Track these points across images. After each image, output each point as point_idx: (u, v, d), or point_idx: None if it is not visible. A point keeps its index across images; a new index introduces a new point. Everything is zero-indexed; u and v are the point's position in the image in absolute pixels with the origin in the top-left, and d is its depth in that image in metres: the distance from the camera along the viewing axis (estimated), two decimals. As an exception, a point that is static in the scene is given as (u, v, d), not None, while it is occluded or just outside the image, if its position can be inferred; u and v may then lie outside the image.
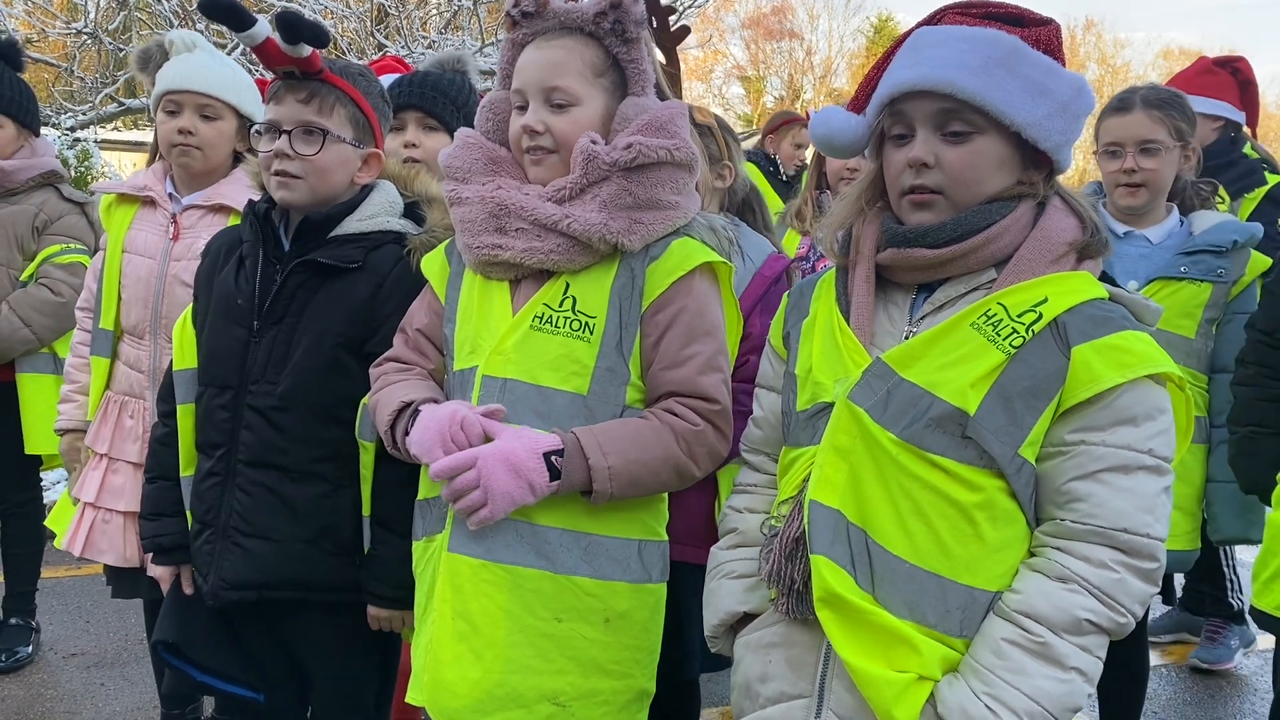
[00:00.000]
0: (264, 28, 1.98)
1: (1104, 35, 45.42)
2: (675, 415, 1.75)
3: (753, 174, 5.07)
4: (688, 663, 2.30)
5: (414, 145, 2.55)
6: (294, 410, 2.03)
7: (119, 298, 2.81)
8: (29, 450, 3.60)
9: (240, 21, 1.98)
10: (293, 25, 1.94)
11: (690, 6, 10.35)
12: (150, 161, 3.03)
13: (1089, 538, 1.44)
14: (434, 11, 10.46)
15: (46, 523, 3.03)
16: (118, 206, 2.87)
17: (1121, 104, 2.83)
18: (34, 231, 3.58)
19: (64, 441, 2.99)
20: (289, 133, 2.03)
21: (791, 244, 3.91)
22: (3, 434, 3.65)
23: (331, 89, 2.06)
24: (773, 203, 4.98)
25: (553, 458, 1.68)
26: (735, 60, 42.76)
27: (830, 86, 39.36)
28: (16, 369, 3.58)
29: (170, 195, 2.82)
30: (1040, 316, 1.46)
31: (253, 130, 2.13)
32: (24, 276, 3.56)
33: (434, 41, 9.23)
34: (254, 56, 2.05)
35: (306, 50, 1.99)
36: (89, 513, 2.79)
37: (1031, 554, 1.50)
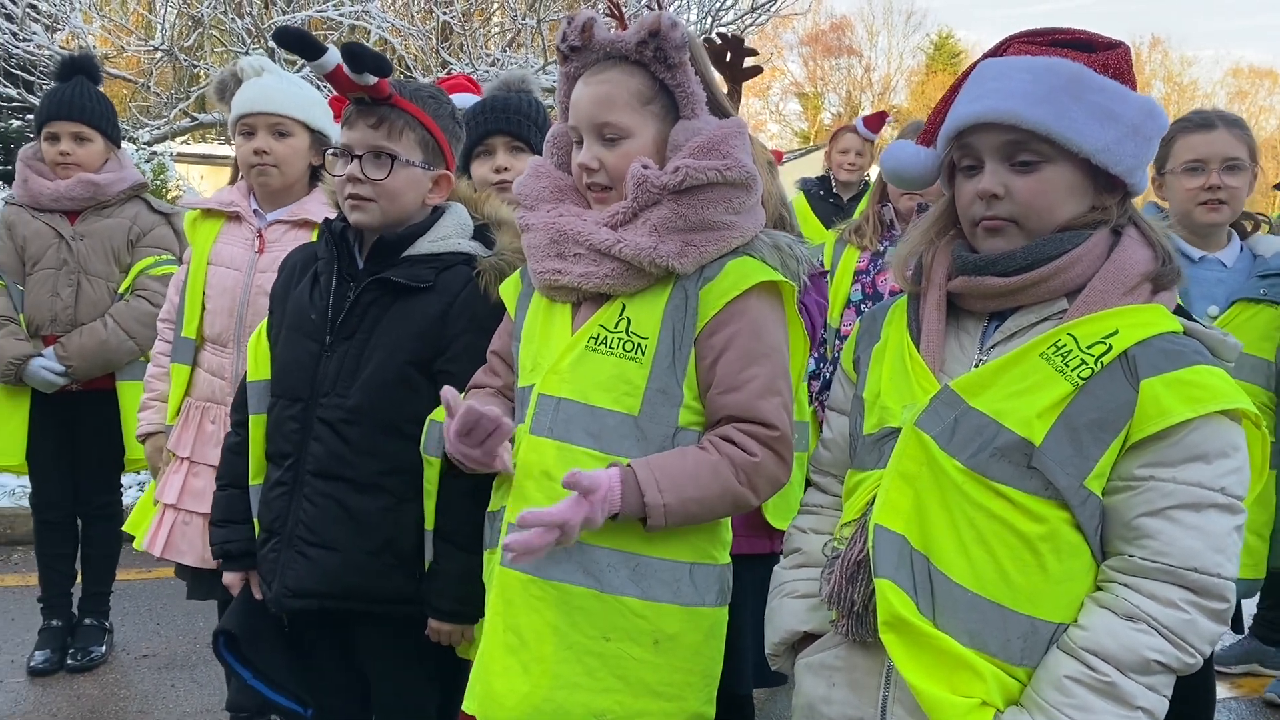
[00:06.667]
0: (334, 56, 2.05)
1: (1170, 53, 44.75)
2: (734, 444, 1.75)
3: (797, 204, 5.15)
4: (739, 677, 2.29)
5: (505, 169, 2.61)
6: (362, 424, 2.08)
7: (203, 308, 2.91)
8: (135, 454, 3.69)
9: (312, 51, 2.05)
10: (356, 56, 2.01)
11: (750, 25, 10.38)
12: (233, 180, 3.15)
13: (1158, 575, 1.42)
14: (496, 29, 10.61)
15: (125, 527, 3.12)
16: (203, 221, 2.98)
17: (1203, 122, 2.82)
18: (128, 244, 3.70)
19: (149, 445, 3.09)
20: (360, 157, 2.10)
21: (850, 260, 3.94)
22: (96, 438, 3.79)
23: (400, 113, 2.12)
24: (816, 232, 5.01)
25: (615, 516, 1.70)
26: (793, 77, 42.74)
27: (889, 104, 39.16)
28: (117, 377, 3.70)
29: (255, 211, 2.93)
30: (1110, 348, 1.45)
31: (328, 154, 2.20)
32: (122, 289, 3.68)
33: (497, 59, 9.35)
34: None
35: (372, 79, 2.06)
36: (169, 514, 2.89)
37: (1098, 588, 1.48)
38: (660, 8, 1.80)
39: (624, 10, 1.90)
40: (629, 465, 1.72)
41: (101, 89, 3.82)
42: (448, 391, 1.79)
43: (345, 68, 2.03)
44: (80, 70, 3.73)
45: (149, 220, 3.74)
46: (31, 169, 3.67)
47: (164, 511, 2.91)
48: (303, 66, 7.12)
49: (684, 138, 1.80)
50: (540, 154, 2.01)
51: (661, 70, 1.80)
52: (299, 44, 2.06)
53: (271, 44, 8.21)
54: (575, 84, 1.86)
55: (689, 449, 1.77)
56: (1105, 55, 1.56)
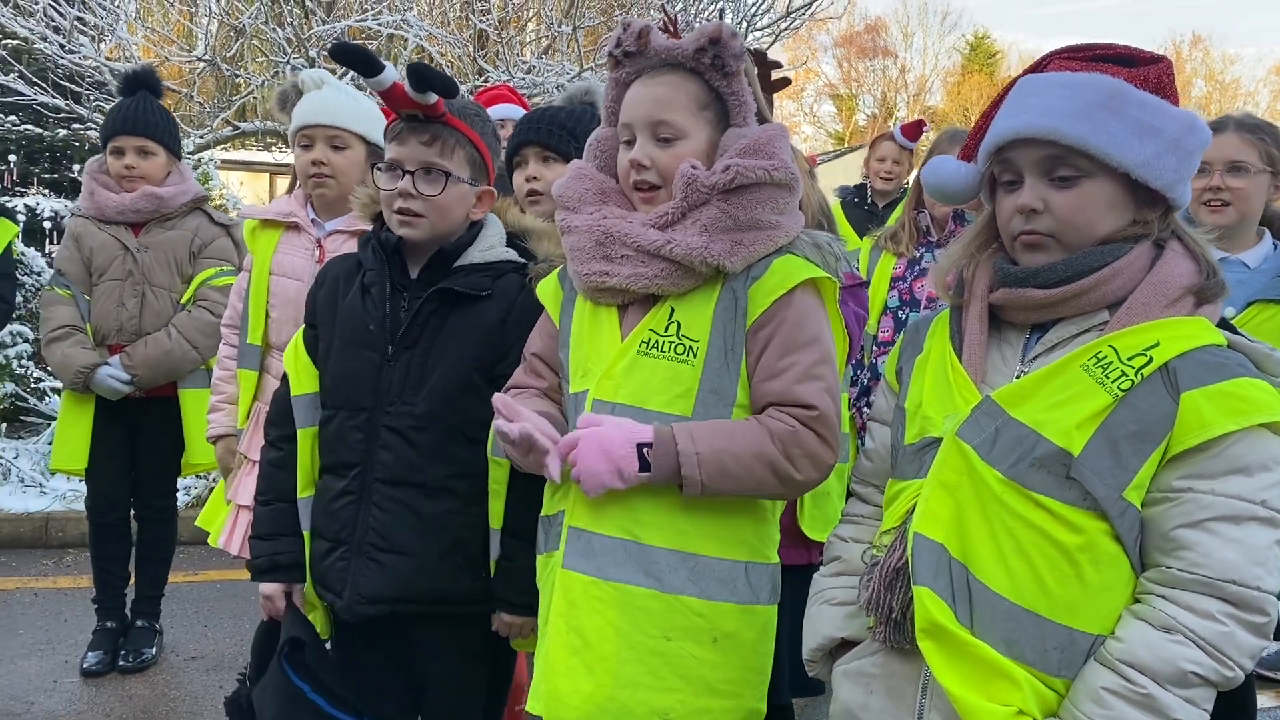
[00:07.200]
0: (391, 74, 2.08)
1: (1211, 51, 44.12)
2: (770, 418, 1.79)
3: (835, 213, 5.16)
4: (776, 687, 2.30)
5: (534, 179, 2.67)
6: (431, 430, 2.12)
7: (267, 315, 2.98)
8: (194, 459, 3.83)
9: (370, 68, 2.07)
10: (424, 76, 2.04)
11: (785, 30, 10.37)
12: (290, 189, 3.22)
13: (1195, 587, 1.42)
14: (532, 37, 10.67)
15: (198, 522, 3.20)
16: (262, 231, 3.05)
17: (1215, 125, 2.83)
18: (190, 256, 3.81)
19: (220, 447, 3.17)
20: (412, 173, 2.12)
21: (887, 267, 3.95)
22: (157, 444, 3.90)
23: (452, 131, 2.15)
24: (849, 239, 5.02)
25: (645, 450, 1.73)
26: (827, 79, 42.58)
27: (924, 104, 38.92)
28: (179, 385, 3.81)
29: (313, 221, 2.99)
30: (1150, 360, 1.46)
31: (374, 167, 2.23)
32: (184, 299, 3.78)
33: (533, 66, 9.41)
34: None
35: (433, 98, 2.08)
36: (244, 515, 2.96)
37: (1136, 600, 1.48)
38: (720, 17, 1.82)
39: (672, 19, 1.91)
40: (668, 426, 1.77)
41: (162, 102, 3.93)
42: (498, 398, 1.86)
43: (407, 86, 2.05)
44: (143, 85, 3.84)
45: (210, 232, 3.85)
46: (98, 182, 3.79)
47: (237, 512, 3.00)
48: (345, 73, 7.21)
49: (733, 143, 1.83)
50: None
51: (717, 78, 1.84)
52: (357, 60, 2.09)
53: (312, 53, 8.32)
54: (626, 89, 1.90)
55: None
56: (1146, 70, 1.58)
